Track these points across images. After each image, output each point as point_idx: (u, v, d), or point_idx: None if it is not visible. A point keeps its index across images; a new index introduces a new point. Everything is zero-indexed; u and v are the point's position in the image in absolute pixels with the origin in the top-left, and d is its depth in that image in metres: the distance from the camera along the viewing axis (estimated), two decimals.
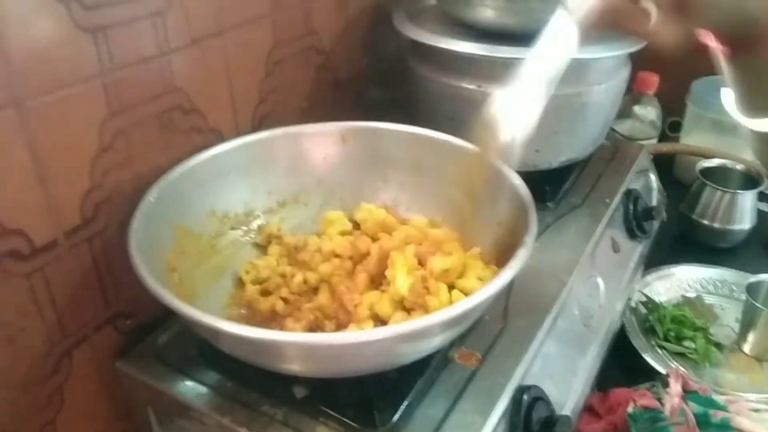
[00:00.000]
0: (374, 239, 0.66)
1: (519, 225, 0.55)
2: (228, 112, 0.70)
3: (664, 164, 1.10)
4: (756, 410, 0.67)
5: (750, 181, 1.02)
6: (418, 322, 0.45)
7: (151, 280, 0.47)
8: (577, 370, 0.69)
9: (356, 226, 0.70)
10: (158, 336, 0.62)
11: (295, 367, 0.50)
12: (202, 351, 0.58)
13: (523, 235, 0.52)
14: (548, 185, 0.82)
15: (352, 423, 0.52)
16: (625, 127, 1.15)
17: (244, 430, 0.52)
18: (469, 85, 0.76)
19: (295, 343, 0.46)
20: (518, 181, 0.59)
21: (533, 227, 0.53)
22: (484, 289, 0.47)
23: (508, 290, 0.65)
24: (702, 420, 0.65)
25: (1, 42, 0.46)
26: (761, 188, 0.99)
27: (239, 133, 0.69)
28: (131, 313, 0.63)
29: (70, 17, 0.50)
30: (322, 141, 0.70)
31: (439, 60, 0.78)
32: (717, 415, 0.66)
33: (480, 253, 0.62)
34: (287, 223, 0.70)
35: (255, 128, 0.73)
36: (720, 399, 0.69)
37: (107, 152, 0.56)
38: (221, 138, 0.68)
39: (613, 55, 0.76)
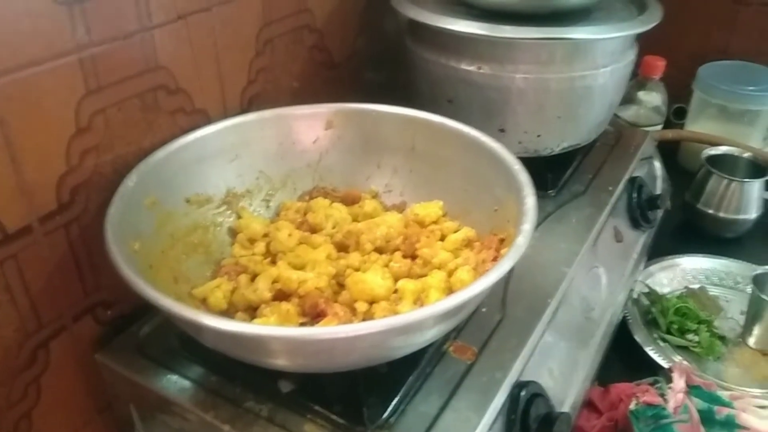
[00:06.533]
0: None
1: (517, 212, 0.52)
2: (216, 93, 0.67)
3: (668, 152, 1.08)
4: (762, 406, 0.65)
5: (757, 169, 0.99)
6: (411, 314, 0.42)
7: (128, 269, 0.45)
8: (578, 363, 0.67)
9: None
10: (140, 327, 0.59)
11: (280, 362, 0.48)
12: (185, 343, 0.56)
13: (521, 223, 0.50)
14: (550, 172, 0.79)
15: (340, 420, 0.50)
16: (629, 113, 1.12)
17: (228, 427, 0.50)
18: (469, 67, 0.73)
19: (281, 337, 0.43)
20: (517, 166, 0.56)
21: (532, 215, 0.51)
22: (481, 280, 0.44)
23: (507, 280, 0.63)
24: (706, 417, 0.63)
25: None
26: None
27: (227, 115, 0.66)
28: (112, 302, 0.60)
29: None
30: (313, 123, 0.67)
31: (437, 40, 0.74)
32: (722, 412, 0.64)
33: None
34: (274, 209, 0.68)
35: (244, 109, 0.70)
36: (724, 395, 0.67)
37: (85, 133, 0.54)
38: (208, 119, 0.65)
39: (620, 35, 0.73)
